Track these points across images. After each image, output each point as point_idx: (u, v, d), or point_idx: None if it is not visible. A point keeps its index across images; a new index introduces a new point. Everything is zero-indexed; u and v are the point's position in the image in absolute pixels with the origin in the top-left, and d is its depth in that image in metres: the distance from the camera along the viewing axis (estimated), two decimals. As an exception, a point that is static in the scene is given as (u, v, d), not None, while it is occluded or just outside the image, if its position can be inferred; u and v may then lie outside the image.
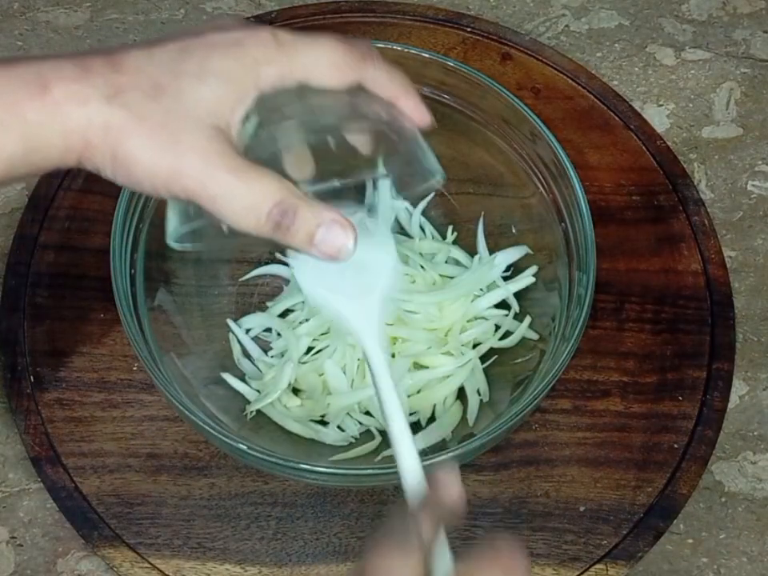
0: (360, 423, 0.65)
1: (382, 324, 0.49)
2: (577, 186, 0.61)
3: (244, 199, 0.44)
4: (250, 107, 0.46)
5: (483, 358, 0.66)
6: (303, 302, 0.68)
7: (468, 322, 0.67)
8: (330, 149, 0.49)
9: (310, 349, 0.66)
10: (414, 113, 0.50)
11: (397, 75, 0.50)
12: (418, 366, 0.65)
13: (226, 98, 0.45)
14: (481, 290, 0.67)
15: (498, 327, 0.67)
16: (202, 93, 0.44)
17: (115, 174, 0.45)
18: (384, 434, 0.64)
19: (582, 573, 0.62)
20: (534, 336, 0.65)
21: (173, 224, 0.48)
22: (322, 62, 0.47)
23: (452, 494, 0.41)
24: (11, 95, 0.43)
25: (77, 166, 0.45)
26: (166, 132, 0.44)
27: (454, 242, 0.70)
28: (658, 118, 0.78)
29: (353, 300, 0.49)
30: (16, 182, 0.47)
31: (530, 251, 0.67)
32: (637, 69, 0.80)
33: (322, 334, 0.66)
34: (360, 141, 0.49)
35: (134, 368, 0.67)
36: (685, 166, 0.75)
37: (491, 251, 0.69)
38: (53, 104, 0.43)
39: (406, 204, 0.71)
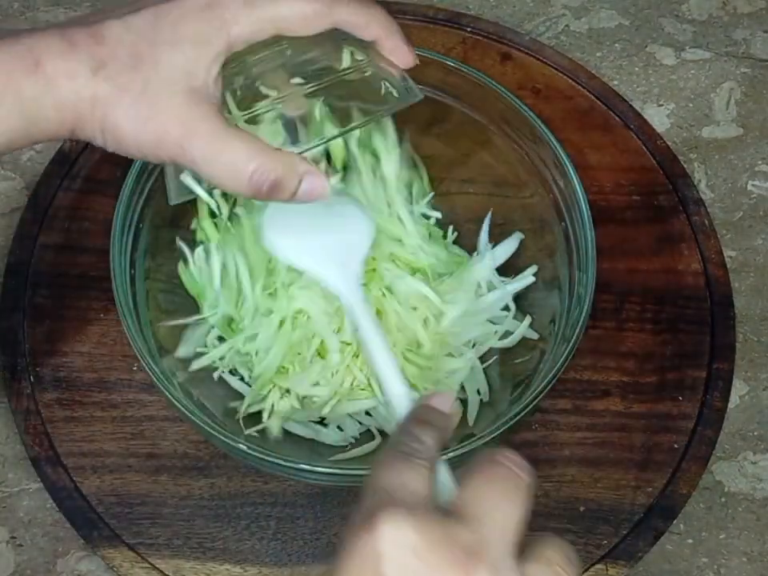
0: (360, 423, 0.65)
1: (361, 281, 0.53)
2: (577, 186, 0.61)
3: (222, 164, 0.47)
4: (223, 64, 0.48)
5: (483, 358, 0.66)
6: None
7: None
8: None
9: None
10: (396, 54, 0.52)
11: (375, 14, 0.51)
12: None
13: (200, 60, 0.47)
14: (480, 286, 0.67)
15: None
16: (177, 58, 0.47)
17: (106, 143, 0.48)
18: (384, 434, 0.64)
19: (582, 573, 0.62)
20: (534, 336, 0.65)
21: (171, 186, 0.51)
22: (292, 14, 0.48)
23: (445, 405, 0.42)
24: (6, 72, 0.45)
25: (71, 137, 0.48)
26: (147, 101, 0.46)
27: (455, 242, 0.70)
28: (658, 117, 0.78)
29: (336, 265, 0.52)
30: (14, 151, 0.51)
31: (522, 236, 0.68)
32: (637, 69, 0.80)
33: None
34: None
35: (134, 368, 0.67)
36: (685, 165, 0.75)
37: (491, 251, 0.69)
38: (45, 79, 0.46)
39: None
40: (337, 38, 0.51)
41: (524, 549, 0.36)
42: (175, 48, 0.47)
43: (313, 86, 0.51)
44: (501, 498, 0.36)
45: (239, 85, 0.50)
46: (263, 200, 0.48)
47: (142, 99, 0.46)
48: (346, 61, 0.52)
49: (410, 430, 0.40)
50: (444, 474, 0.41)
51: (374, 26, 0.51)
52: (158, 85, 0.46)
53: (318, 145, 0.51)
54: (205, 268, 0.66)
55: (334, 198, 0.51)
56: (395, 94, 0.52)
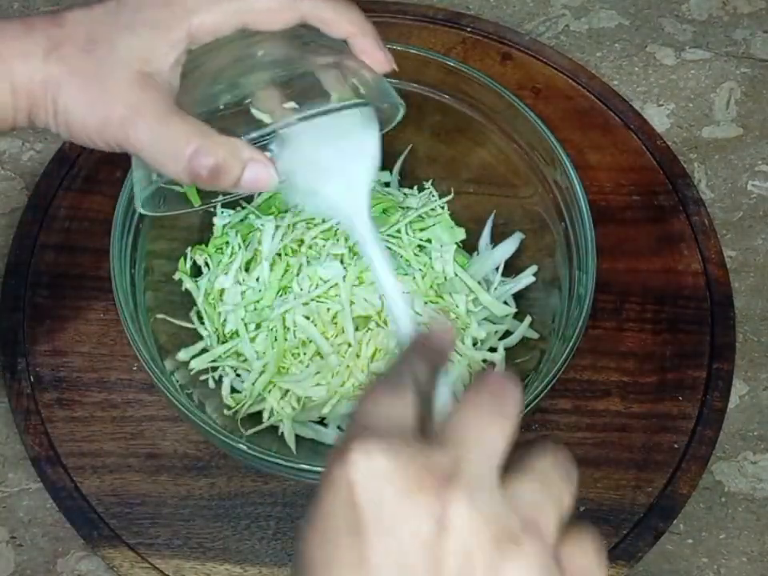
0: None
1: (369, 205, 0.49)
2: (577, 186, 0.61)
3: (163, 147, 0.45)
4: (182, 54, 0.47)
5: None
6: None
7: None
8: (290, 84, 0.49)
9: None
10: (369, 56, 0.49)
11: (345, 10, 0.49)
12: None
13: (156, 46, 0.46)
14: (479, 283, 0.67)
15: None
16: (132, 42, 0.46)
17: (58, 128, 0.47)
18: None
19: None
20: (534, 336, 0.66)
21: (137, 189, 0.49)
22: (256, 6, 0.47)
23: (444, 335, 0.40)
24: None
25: (30, 124, 0.47)
26: (96, 84, 0.45)
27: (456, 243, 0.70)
28: (658, 117, 0.78)
29: (343, 189, 0.49)
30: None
31: (523, 236, 0.68)
32: (637, 69, 0.80)
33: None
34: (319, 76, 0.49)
35: (134, 368, 0.66)
36: (685, 165, 0.75)
37: (491, 251, 0.69)
38: (1, 62, 0.45)
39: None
40: (314, 42, 0.49)
41: (512, 464, 0.35)
42: (132, 32, 0.46)
43: (309, 114, 0.48)
44: (482, 420, 0.35)
45: (225, 102, 0.48)
46: (205, 187, 0.47)
47: (92, 82, 0.45)
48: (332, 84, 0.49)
49: (400, 361, 0.38)
50: (445, 398, 0.39)
51: (344, 23, 0.48)
52: (109, 67, 0.45)
53: (275, 128, 0.47)
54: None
55: (337, 118, 0.49)
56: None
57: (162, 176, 0.48)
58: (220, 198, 0.53)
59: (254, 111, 0.48)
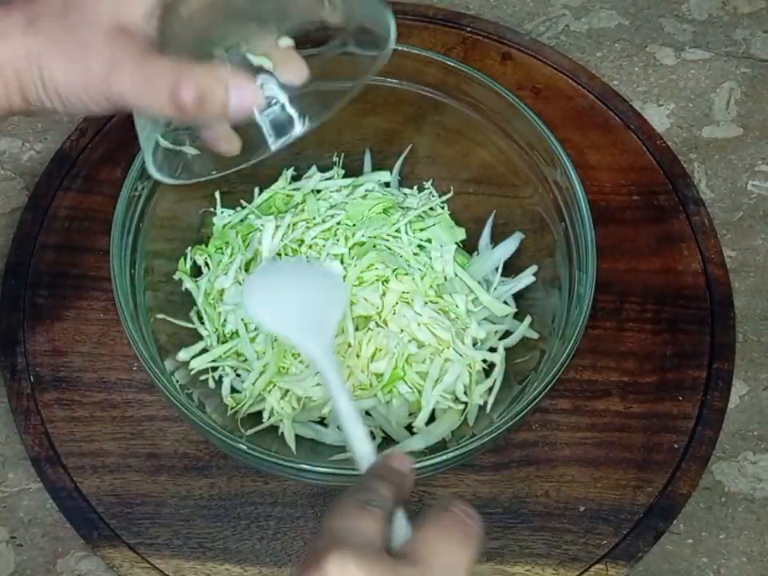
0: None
1: (333, 349, 0.54)
2: (577, 186, 0.61)
3: (146, 87, 0.45)
4: (154, 4, 0.47)
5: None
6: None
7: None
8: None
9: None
10: None
11: None
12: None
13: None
14: (479, 283, 0.67)
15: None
16: (104, 0, 0.47)
17: (52, 102, 0.47)
18: (387, 438, 0.64)
19: (581, 573, 0.62)
20: (534, 336, 0.65)
21: (146, 154, 0.49)
22: None
23: (403, 466, 0.45)
24: None
25: (26, 106, 0.47)
26: (74, 45, 0.46)
27: (456, 243, 0.70)
28: (658, 117, 0.78)
29: (311, 334, 0.53)
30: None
31: (523, 236, 0.68)
32: (637, 69, 0.80)
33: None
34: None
35: (134, 368, 0.67)
36: (685, 165, 0.75)
37: (491, 251, 0.69)
38: None
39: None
40: None
41: None
42: None
43: (309, 50, 0.48)
44: (449, 543, 0.39)
45: (215, 50, 0.48)
46: (194, 118, 0.46)
47: (70, 44, 0.46)
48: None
49: (367, 482, 0.43)
50: (403, 525, 0.43)
51: None
52: (84, 27, 0.46)
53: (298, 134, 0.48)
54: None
55: (310, 267, 0.52)
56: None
57: (157, 127, 0.48)
58: (240, 164, 0.52)
59: (249, 56, 0.48)
